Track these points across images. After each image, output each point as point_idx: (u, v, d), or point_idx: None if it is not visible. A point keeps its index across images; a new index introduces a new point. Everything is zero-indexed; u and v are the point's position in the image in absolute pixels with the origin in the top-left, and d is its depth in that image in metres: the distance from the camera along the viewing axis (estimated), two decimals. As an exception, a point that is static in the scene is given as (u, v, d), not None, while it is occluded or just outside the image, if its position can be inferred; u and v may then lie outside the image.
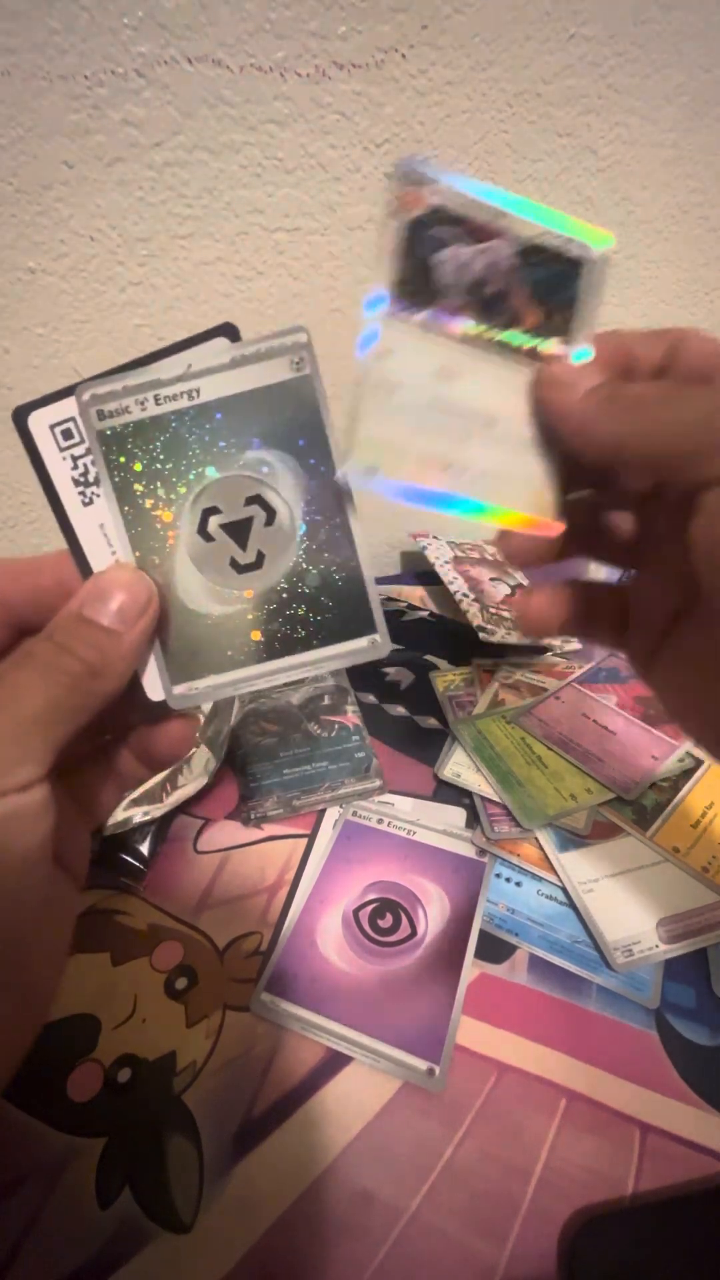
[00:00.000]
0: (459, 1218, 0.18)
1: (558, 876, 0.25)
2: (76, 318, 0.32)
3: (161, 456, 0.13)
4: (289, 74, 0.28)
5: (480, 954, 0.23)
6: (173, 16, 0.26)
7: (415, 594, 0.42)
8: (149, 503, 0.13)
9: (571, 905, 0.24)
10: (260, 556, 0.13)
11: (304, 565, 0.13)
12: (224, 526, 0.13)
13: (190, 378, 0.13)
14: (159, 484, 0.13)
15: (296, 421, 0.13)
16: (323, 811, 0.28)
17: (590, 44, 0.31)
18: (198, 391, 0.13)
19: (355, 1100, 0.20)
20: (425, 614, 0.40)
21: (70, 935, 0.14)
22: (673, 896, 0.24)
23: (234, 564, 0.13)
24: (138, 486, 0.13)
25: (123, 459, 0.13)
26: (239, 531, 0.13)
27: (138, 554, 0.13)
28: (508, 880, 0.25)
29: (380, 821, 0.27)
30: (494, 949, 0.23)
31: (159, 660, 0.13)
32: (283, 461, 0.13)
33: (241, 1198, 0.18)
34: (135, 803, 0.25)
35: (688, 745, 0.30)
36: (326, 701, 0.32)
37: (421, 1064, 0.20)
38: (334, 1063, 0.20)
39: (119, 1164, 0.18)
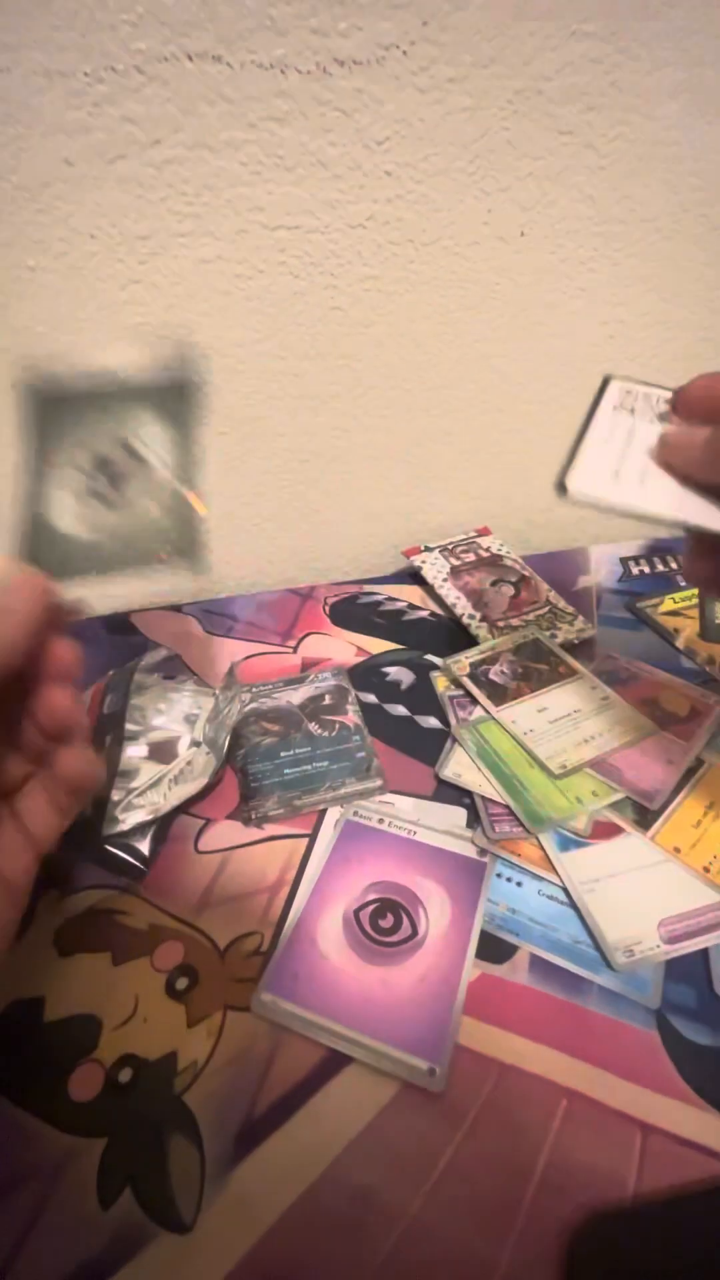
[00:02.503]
0: (460, 1217, 0.18)
1: (559, 876, 0.25)
2: (77, 315, 0.32)
3: None
4: (289, 71, 0.28)
5: (481, 954, 0.23)
6: (172, 13, 0.26)
7: (415, 594, 0.42)
8: None
9: (572, 905, 0.24)
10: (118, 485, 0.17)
11: None
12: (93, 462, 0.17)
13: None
14: None
15: None
16: (323, 811, 0.28)
17: (592, 41, 0.31)
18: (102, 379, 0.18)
19: (356, 1100, 0.20)
20: (425, 614, 0.40)
21: (4, 946, 0.15)
22: (674, 896, 0.24)
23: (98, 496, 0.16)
24: None
25: None
26: (103, 466, 0.16)
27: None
28: (508, 880, 0.25)
29: (381, 821, 0.27)
30: (495, 949, 0.23)
31: None
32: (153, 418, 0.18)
33: (242, 1197, 0.18)
34: (136, 804, 0.25)
35: (698, 748, 0.30)
36: (327, 701, 0.32)
37: (422, 1064, 0.20)
38: (335, 1062, 0.20)
39: (120, 1164, 0.18)
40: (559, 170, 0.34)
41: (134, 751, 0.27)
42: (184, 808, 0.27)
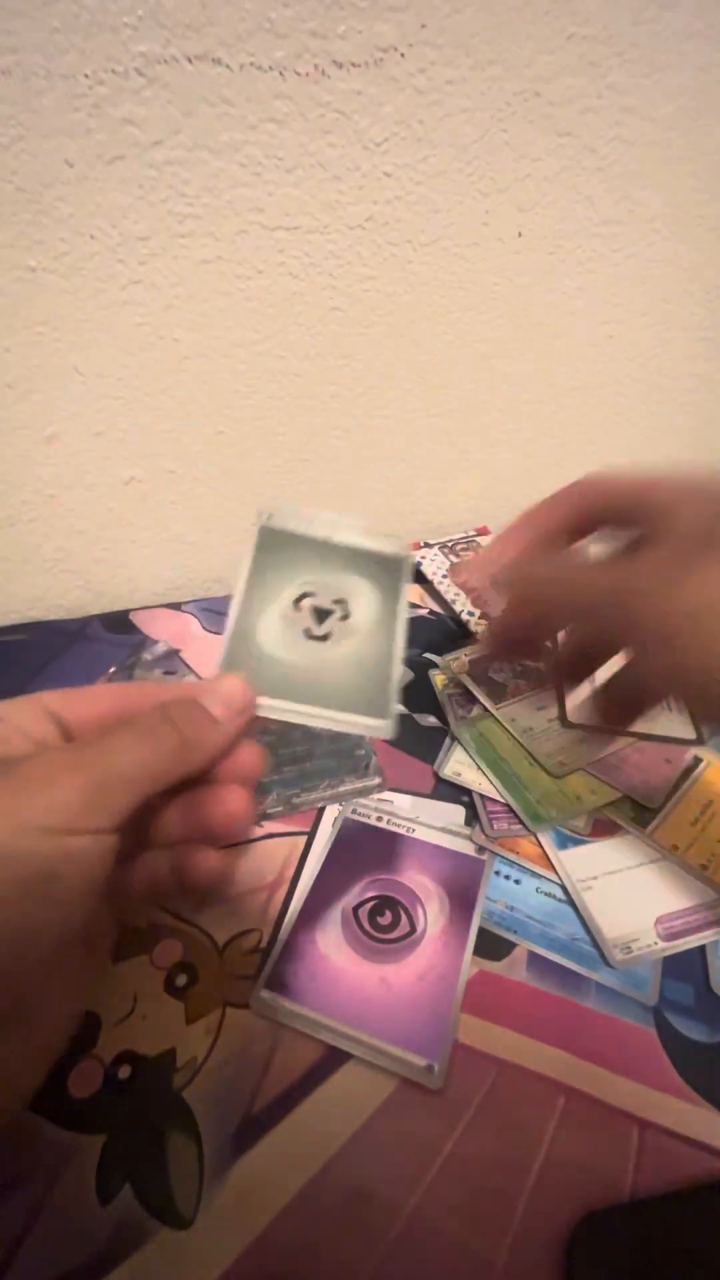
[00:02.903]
0: (458, 1214, 0.18)
1: (557, 874, 0.25)
2: (77, 316, 0.32)
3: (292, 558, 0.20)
4: (288, 73, 0.28)
5: (479, 951, 0.23)
6: (173, 15, 0.26)
7: (414, 592, 0.42)
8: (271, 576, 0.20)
9: (570, 902, 0.24)
10: (327, 635, 0.19)
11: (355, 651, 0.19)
12: (313, 608, 0.20)
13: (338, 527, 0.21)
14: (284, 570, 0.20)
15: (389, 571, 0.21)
16: (322, 809, 0.28)
17: (590, 43, 0.31)
18: (332, 536, 0.21)
19: (354, 1097, 0.20)
20: (424, 612, 0.40)
21: (81, 1005, 0.16)
22: (672, 894, 0.24)
23: (308, 633, 0.19)
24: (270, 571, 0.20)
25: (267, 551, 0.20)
26: (320, 614, 0.19)
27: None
28: (507, 877, 0.25)
29: (380, 819, 0.27)
30: (493, 946, 0.23)
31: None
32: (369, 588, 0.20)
33: (241, 1194, 0.18)
34: None
35: (697, 746, 0.30)
36: (329, 606, 0.32)
37: (420, 1061, 0.20)
38: (333, 1059, 0.20)
39: (119, 1160, 0.18)
40: (557, 171, 0.34)
41: None
42: None
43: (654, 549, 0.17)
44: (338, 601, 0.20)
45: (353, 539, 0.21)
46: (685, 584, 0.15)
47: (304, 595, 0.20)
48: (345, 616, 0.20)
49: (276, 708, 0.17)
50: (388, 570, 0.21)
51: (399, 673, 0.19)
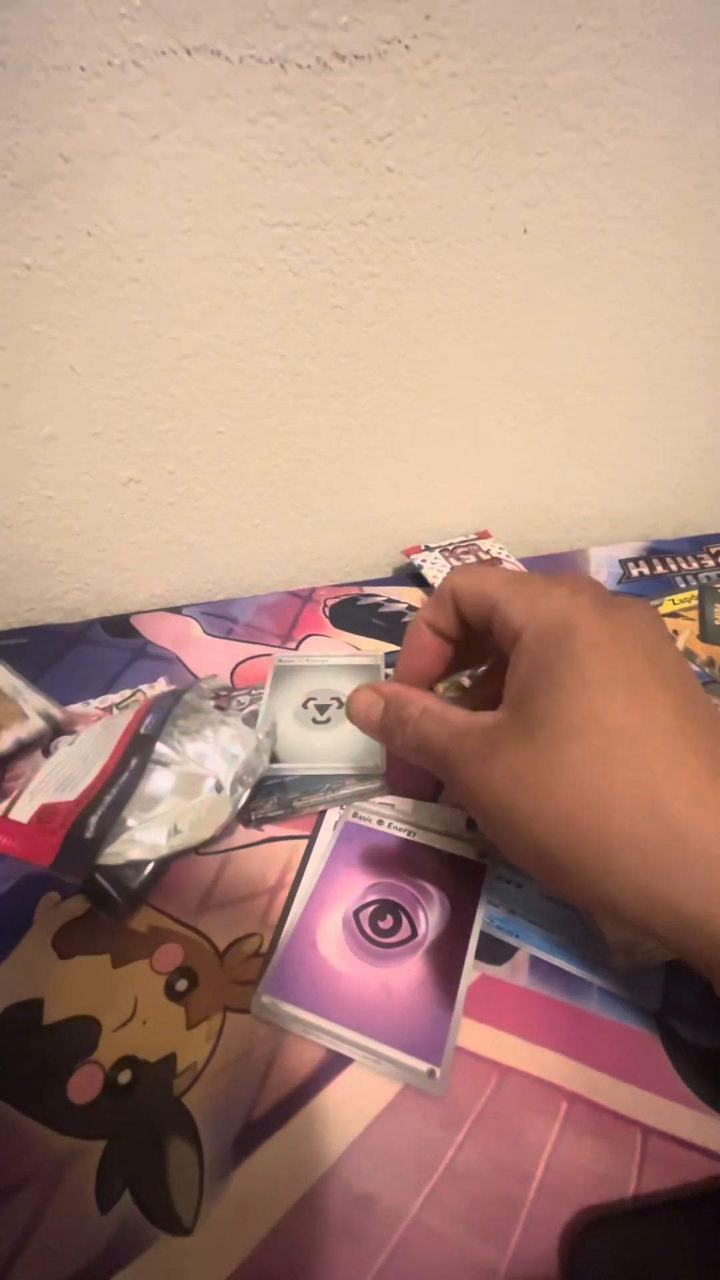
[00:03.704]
0: (460, 1220, 0.18)
1: (559, 879, 0.25)
2: (73, 314, 0.32)
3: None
4: (289, 65, 0.28)
5: (481, 955, 0.23)
6: (170, 6, 0.26)
7: (415, 595, 0.41)
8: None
9: (572, 906, 0.24)
10: (328, 719, 0.31)
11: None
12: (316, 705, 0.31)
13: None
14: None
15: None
16: (323, 813, 0.28)
17: (597, 35, 0.30)
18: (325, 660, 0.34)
19: (356, 1102, 0.20)
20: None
21: None
22: (674, 899, 0.24)
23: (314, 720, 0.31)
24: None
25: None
26: (321, 708, 0.31)
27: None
28: (508, 881, 0.25)
29: (380, 823, 0.27)
30: (495, 950, 0.23)
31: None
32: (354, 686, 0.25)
33: (242, 1200, 0.18)
34: (138, 839, 0.24)
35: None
36: (327, 702, 0.32)
37: (422, 1066, 0.20)
38: (334, 1065, 0.20)
39: (119, 1167, 0.18)
40: (563, 166, 0.34)
41: (160, 780, 0.25)
42: (186, 853, 0.25)
43: (494, 707, 0.16)
44: (334, 698, 0.31)
45: (338, 660, 0.34)
46: (495, 763, 0.14)
47: (309, 699, 0.31)
48: (340, 705, 0.31)
49: (296, 767, 0.29)
50: (367, 672, 0.33)
51: None
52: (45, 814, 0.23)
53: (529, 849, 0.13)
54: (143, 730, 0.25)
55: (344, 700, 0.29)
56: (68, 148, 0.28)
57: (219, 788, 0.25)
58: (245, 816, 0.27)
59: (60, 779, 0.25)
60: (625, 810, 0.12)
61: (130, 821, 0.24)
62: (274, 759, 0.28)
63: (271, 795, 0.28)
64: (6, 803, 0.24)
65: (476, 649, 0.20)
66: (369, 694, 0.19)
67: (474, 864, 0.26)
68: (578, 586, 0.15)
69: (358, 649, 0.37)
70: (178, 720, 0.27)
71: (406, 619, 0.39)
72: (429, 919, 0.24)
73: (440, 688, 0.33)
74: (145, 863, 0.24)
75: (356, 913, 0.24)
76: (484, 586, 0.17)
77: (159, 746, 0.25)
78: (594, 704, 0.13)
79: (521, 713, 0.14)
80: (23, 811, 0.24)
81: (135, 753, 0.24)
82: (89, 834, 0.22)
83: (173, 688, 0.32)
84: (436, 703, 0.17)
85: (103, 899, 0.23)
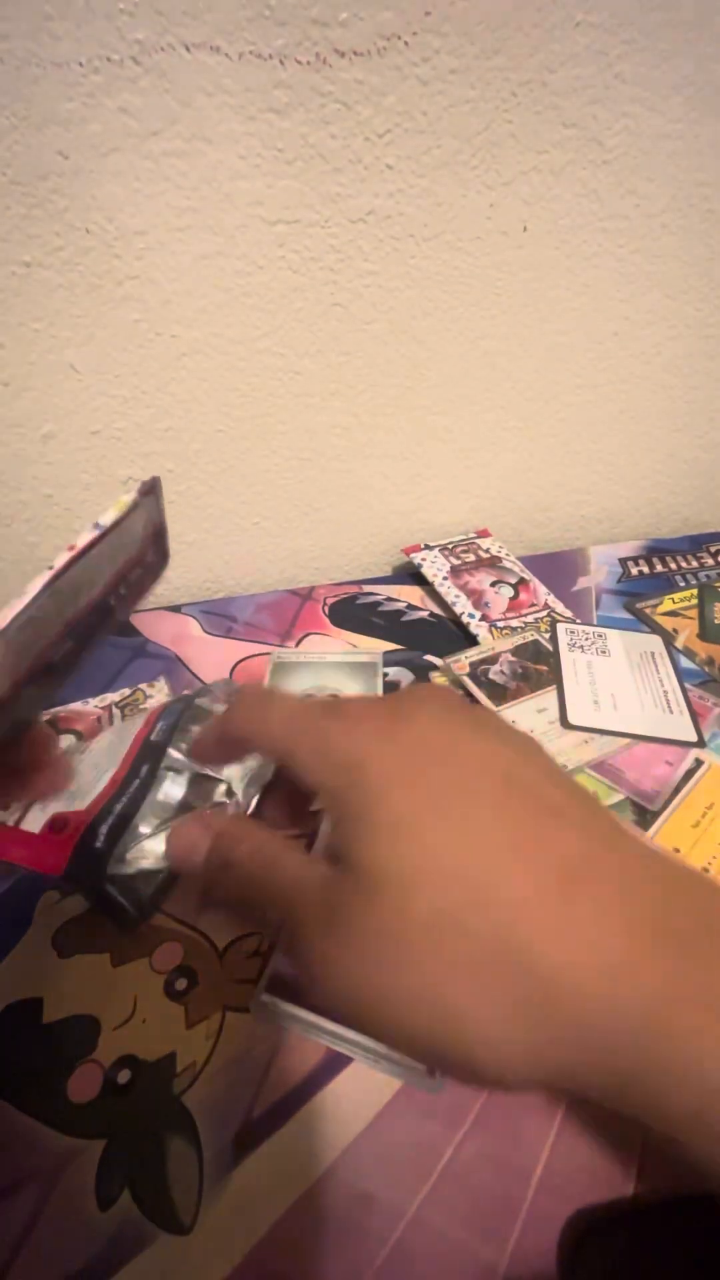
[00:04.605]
0: (459, 1219, 0.18)
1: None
2: (73, 312, 0.32)
3: None
4: (289, 61, 0.28)
5: (480, 955, 0.23)
6: (170, 2, 0.26)
7: (414, 594, 0.41)
8: None
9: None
10: None
11: None
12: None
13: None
14: None
15: None
16: (320, 812, 0.28)
17: (597, 32, 0.30)
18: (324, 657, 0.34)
19: (355, 1101, 0.20)
20: (425, 614, 0.40)
21: None
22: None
23: None
24: None
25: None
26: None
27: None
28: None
29: (380, 822, 0.27)
30: (494, 950, 0.23)
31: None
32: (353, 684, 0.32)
33: (242, 1199, 0.18)
34: (149, 850, 0.22)
35: (696, 748, 0.30)
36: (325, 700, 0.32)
37: (421, 1065, 0.20)
38: (334, 1064, 0.20)
39: (119, 1165, 0.18)
40: (563, 164, 0.34)
41: (172, 787, 0.24)
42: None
43: (313, 867, 0.13)
44: (332, 695, 0.30)
45: (336, 657, 0.33)
46: (337, 932, 0.12)
47: (306, 697, 0.28)
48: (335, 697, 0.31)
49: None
50: (364, 669, 0.34)
51: None
52: (56, 823, 0.23)
53: (393, 1030, 0.11)
54: (153, 737, 0.25)
55: (340, 695, 0.31)
56: (66, 144, 0.28)
57: (230, 793, 0.25)
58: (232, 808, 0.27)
59: (71, 788, 0.25)
60: (482, 965, 0.10)
61: (143, 829, 0.23)
62: None
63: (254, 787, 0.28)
64: (18, 813, 0.24)
65: None
66: (194, 829, 0.15)
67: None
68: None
69: (356, 647, 0.36)
70: (189, 726, 0.27)
71: (406, 618, 0.39)
72: (428, 918, 0.24)
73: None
74: (158, 872, 0.23)
75: (356, 912, 0.24)
76: (267, 738, 0.15)
77: (170, 753, 0.25)
78: (411, 844, 0.11)
79: (349, 865, 0.12)
80: (34, 822, 0.23)
81: (146, 760, 0.24)
82: (99, 843, 0.21)
83: (184, 693, 0.31)
84: (273, 841, 0.14)
85: (115, 911, 0.22)
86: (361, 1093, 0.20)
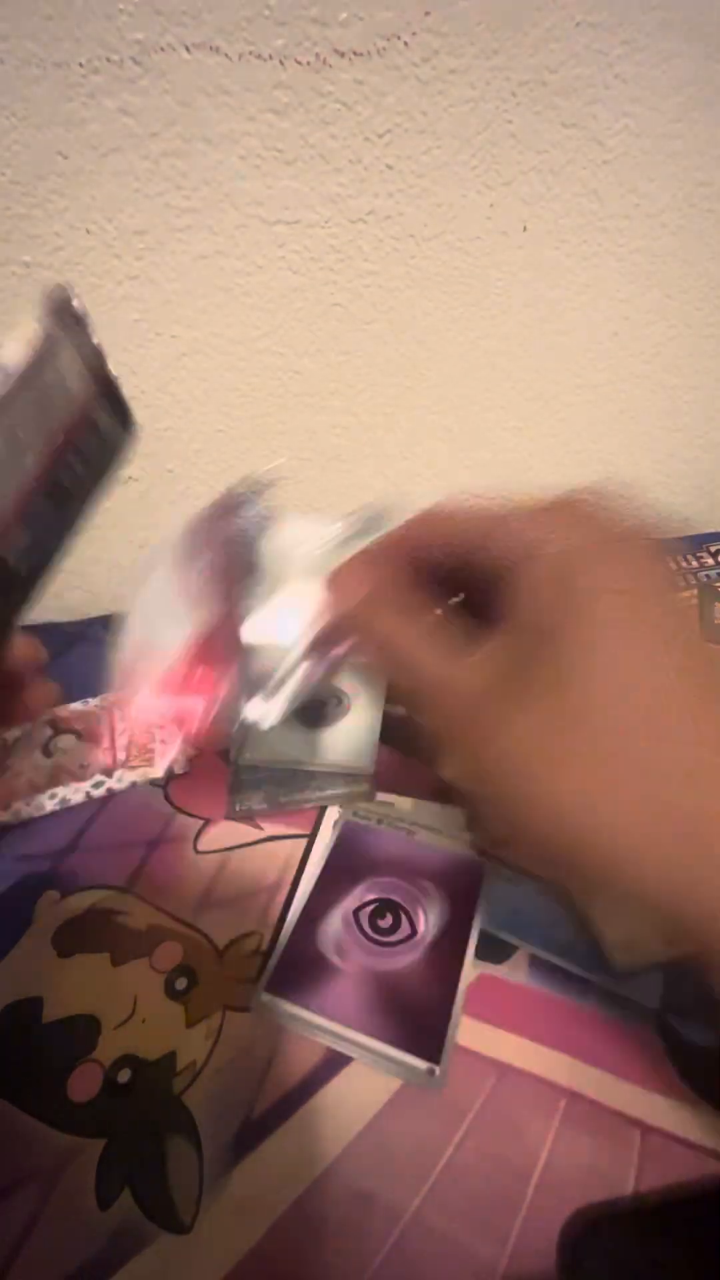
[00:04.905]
0: (459, 1218, 0.18)
1: (558, 877, 0.25)
2: (73, 312, 0.32)
3: None
4: (289, 62, 0.28)
5: (480, 954, 0.23)
6: (170, 2, 0.26)
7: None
8: None
9: (572, 904, 0.24)
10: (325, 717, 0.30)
11: None
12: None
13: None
14: None
15: None
16: (323, 811, 0.28)
17: (597, 31, 0.30)
18: None
19: (355, 1100, 0.20)
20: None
21: None
22: (673, 897, 0.24)
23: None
24: None
25: None
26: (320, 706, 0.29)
27: None
28: (508, 881, 0.25)
29: (380, 821, 0.27)
30: (494, 949, 0.23)
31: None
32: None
33: (241, 1198, 0.18)
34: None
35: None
36: (325, 699, 0.32)
37: (422, 1064, 0.20)
38: (334, 1063, 0.20)
39: (119, 1165, 0.18)
40: (563, 164, 0.34)
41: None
42: (182, 808, 0.27)
43: (489, 646, 0.13)
44: (332, 695, 0.30)
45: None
46: (511, 721, 0.12)
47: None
48: (339, 704, 0.30)
49: (286, 762, 0.28)
50: (368, 670, 0.28)
51: (377, 733, 0.29)
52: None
53: (543, 826, 0.12)
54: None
55: (342, 698, 0.31)
56: (66, 144, 0.28)
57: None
58: (230, 806, 0.27)
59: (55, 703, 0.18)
60: (661, 785, 0.11)
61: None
62: (266, 752, 0.29)
63: (260, 789, 0.28)
64: (18, 733, 0.22)
65: (449, 582, 0.16)
66: (360, 569, 0.15)
67: (474, 863, 0.26)
68: (574, 520, 0.13)
69: (357, 648, 0.36)
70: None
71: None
72: (429, 918, 0.24)
73: None
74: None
75: (356, 911, 0.24)
76: (465, 522, 0.14)
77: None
78: (616, 668, 0.12)
79: (529, 667, 0.12)
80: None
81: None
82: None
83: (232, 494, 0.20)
84: (424, 619, 0.14)
85: None
86: (361, 1092, 0.20)
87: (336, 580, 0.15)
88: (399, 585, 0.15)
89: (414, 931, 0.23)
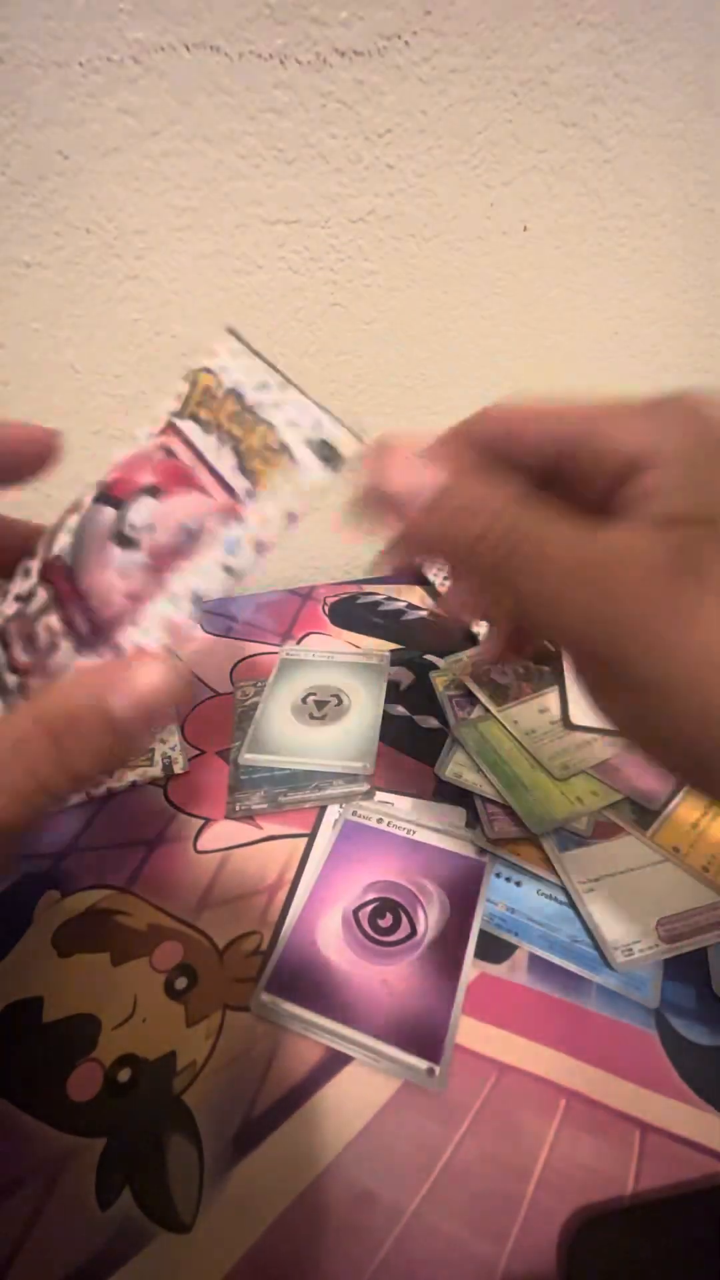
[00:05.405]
0: (459, 1217, 0.18)
1: (558, 876, 0.25)
2: (73, 312, 0.32)
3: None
4: (289, 61, 0.28)
5: (480, 954, 0.23)
6: (170, 2, 0.26)
7: (415, 593, 0.41)
8: None
9: (571, 905, 0.24)
10: (325, 715, 0.31)
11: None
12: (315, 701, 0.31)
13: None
14: None
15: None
16: (323, 810, 0.28)
17: (598, 30, 0.30)
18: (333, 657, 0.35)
19: (355, 1100, 0.20)
20: (425, 613, 0.40)
21: None
22: (672, 896, 0.24)
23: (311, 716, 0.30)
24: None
25: None
26: (320, 704, 0.31)
27: None
28: (508, 880, 0.25)
29: (380, 821, 0.27)
30: (494, 949, 0.23)
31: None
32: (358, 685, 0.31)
33: (241, 1198, 0.18)
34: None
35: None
36: (326, 699, 0.32)
37: (421, 1064, 0.20)
38: (334, 1062, 0.20)
39: (119, 1164, 0.18)
40: (563, 163, 0.34)
41: None
42: (182, 808, 0.27)
43: (634, 525, 0.11)
44: (333, 695, 0.32)
45: (344, 657, 0.33)
46: (694, 607, 0.10)
47: (309, 694, 0.32)
48: (339, 703, 0.32)
49: (286, 761, 0.29)
50: (372, 671, 0.33)
51: (377, 732, 0.30)
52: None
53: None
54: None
55: (343, 698, 0.31)
56: (66, 144, 0.28)
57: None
58: (230, 805, 0.27)
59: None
60: None
61: None
62: (266, 751, 0.29)
63: (259, 788, 0.28)
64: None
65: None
66: (439, 450, 0.12)
67: (474, 863, 0.26)
68: (689, 416, 0.12)
69: (357, 647, 0.37)
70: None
71: (406, 617, 0.39)
72: (428, 917, 0.24)
73: None
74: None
75: (356, 911, 0.24)
76: (557, 417, 0.12)
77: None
78: None
79: (704, 553, 0.10)
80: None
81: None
82: None
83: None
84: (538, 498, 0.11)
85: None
86: (361, 1092, 0.20)
87: (396, 464, 0.12)
88: (485, 470, 0.12)
89: (414, 931, 0.23)
